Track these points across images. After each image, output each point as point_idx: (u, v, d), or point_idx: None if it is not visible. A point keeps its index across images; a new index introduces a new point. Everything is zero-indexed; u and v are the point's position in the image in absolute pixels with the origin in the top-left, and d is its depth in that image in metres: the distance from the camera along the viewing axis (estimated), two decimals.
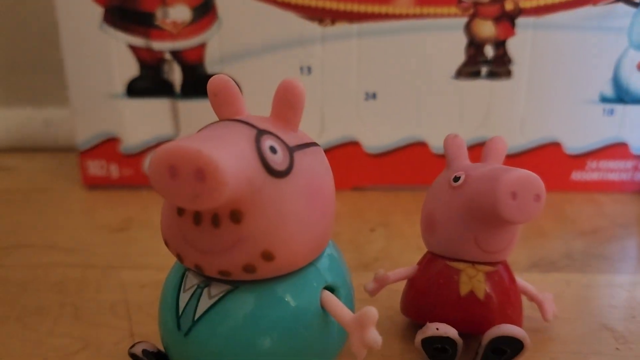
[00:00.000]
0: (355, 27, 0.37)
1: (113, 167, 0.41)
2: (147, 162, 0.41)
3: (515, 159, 0.40)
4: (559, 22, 0.37)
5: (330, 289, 0.18)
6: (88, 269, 0.29)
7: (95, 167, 0.41)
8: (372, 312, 0.15)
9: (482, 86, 0.38)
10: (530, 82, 0.38)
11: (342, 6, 0.37)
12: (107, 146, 0.41)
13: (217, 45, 0.38)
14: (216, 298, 0.17)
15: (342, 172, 0.41)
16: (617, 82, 0.38)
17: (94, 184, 0.42)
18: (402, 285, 0.24)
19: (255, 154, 0.15)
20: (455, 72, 0.38)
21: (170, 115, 0.40)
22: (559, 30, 0.37)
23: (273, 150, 0.16)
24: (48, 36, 0.48)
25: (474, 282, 0.21)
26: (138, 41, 0.38)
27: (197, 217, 0.15)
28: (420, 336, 0.20)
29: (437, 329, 0.20)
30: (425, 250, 0.23)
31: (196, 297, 0.17)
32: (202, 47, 0.38)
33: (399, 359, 0.22)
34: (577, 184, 0.41)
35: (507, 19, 0.37)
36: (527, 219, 0.19)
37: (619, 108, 0.39)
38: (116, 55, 0.39)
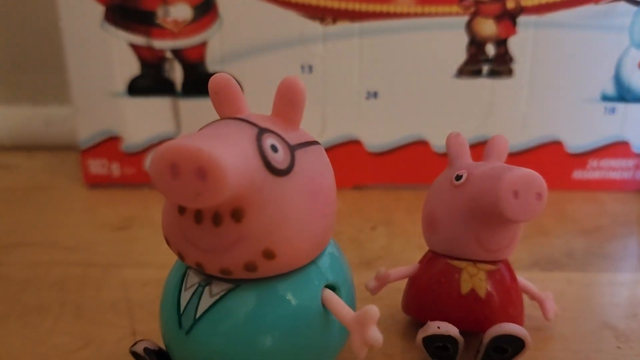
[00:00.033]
0: (356, 26, 0.37)
1: (114, 166, 0.41)
2: (148, 160, 0.41)
3: (516, 157, 0.40)
4: (560, 20, 0.37)
5: (332, 287, 0.18)
6: (89, 268, 0.29)
7: (97, 166, 0.41)
8: (373, 310, 0.15)
9: (483, 85, 0.38)
10: (531, 81, 0.38)
11: (343, 5, 0.37)
12: (108, 145, 0.41)
13: (218, 44, 0.38)
14: (217, 296, 0.17)
15: (343, 171, 0.41)
16: (618, 80, 0.38)
17: (95, 183, 0.42)
18: (403, 283, 0.24)
19: (257, 153, 0.15)
20: (456, 70, 0.38)
21: (172, 113, 0.40)
22: (560, 29, 0.37)
23: (274, 148, 0.16)
24: (49, 35, 0.48)
25: (475, 280, 0.21)
26: (139, 40, 0.38)
27: (198, 216, 0.15)
28: (421, 334, 0.20)
29: (439, 327, 0.20)
30: (426, 248, 0.23)
31: (197, 295, 0.17)
32: (203, 45, 0.38)
33: (400, 357, 0.22)
34: (579, 183, 0.41)
35: (509, 18, 0.37)
36: (529, 218, 0.19)
37: (621, 107, 0.39)
38: (117, 53, 0.39)
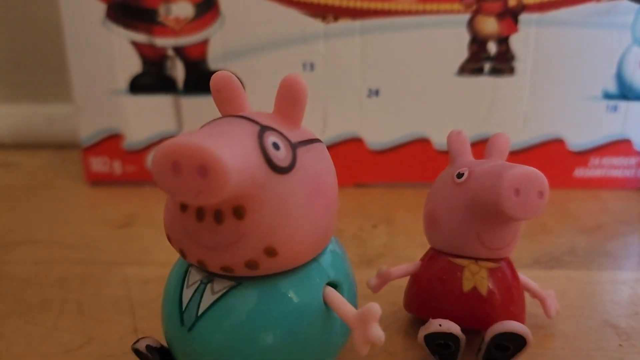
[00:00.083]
0: (358, 23, 0.37)
1: (116, 164, 0.41)
2: (150, 158, 0.41)
3: (518, 155, 0.40)
4: (562, 18, 0.37)
5: (333, 285, 0.18)
6: (91, 265, 0.29)
7: (99, 164, 0.41)
8: (375, 308, 0.15)
9: (485, 83, 0.38)
10: (533, 79, 0.38)
11: (344, 3, 0.37)
12: (110, 142, 0.41)
13: (219, 42, 0.38)
14: (219, 294, 0.17)
15: (344, 169, 0.41)
16: (620, 78, 0.38)
17: (97, 181, 0.42)
18: (405, 281, 0.24)
19: (258, 150, 0.15)
20: (458, 68, 0.38)
21: (173, 111, 0.40)
22: (562, 27, 0.37)
23: (276, 146, 0.16)
24: (51, 33, 0.48)
25: (476, 278, 0.21)
26: (141, 37, 0.38)
27: (200, 213, 0.15)
28: (423, 332, 0.20)
29: (440, 325, 0.20)
30: (428, 246, 0.23)
31: (199, 292, 0.17)
32: (204, 43, 0.38)
33: (402, 355, 0.22)
34: (580, 181, 0.41)
35: (510, 16, 0.37)
36: (531, 216, 0.19)
37: (623, 104, 0.39)
38: (119, 51, 0.39)
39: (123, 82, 0.39)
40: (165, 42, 0.38)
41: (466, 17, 0.37)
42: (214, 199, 0.14)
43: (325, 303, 0.17)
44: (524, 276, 0.23)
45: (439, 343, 0.20)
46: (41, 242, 0.32)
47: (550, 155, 0.40)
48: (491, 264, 0.21)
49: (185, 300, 0.17)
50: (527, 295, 0.23)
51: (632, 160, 0.40)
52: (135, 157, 0.41)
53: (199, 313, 0.17)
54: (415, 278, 0.23)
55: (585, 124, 0.39)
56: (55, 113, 0.50)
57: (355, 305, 0.19)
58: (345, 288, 0.19)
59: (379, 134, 0.40)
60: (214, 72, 0.17)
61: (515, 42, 0.37)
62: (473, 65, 0.38)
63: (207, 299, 0.17)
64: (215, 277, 0.17)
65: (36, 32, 0.49)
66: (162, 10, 0.38)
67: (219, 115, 0.18)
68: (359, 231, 0.34)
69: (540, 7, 0.37)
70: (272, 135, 0.16)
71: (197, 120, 0.40)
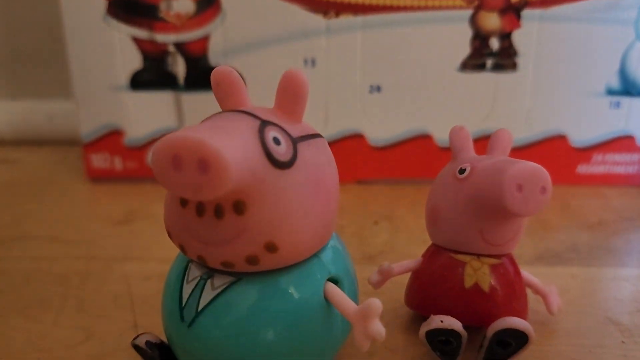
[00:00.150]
0: (359, 19, 0.37)
1: (117, 160, 0.41)
2: (150, 153, 0.41)
3: (520, 151, 0.40)
4: (565, 14, 0.37)
5: (334, 280, 0.18)
6: (91, 261, 0.29)
7: (99, 160, 0.41)
8: (376, 303, 0.15)
9: (487, 79, 0.38)
10: (535, 75, 0.38)
11: None
12: (110, 139, 0.41)
13: (220, 38, 0.38)
14: (219, 289, 0.17)
15: (346, 165, 0.41)
16: (623, 74, 0.38)
17: (98, 177, 0.42)
18: (406, 277, 0.24)
19: (259, 145, 0.15)
20: (460, 64, 0.38)
21: (174, 107, 0.40)
22: (565, 22, 0.37)
23: (276, 141, 0.16)
24: (52, 29, 0.48)
25: (478, 274, 0.21)
26: (142, 33, 0.38)
27: (200, 208, 0.15)
28: (424, 328, 0.20)
29: (442, 321, 0.20)
30: (429, 243, 0.23)
31: (199, 288, 0.17)
32: (205, 39, 0.38)
33: (403, 351, 0.22)
34: (583, 177, 0.41)
35: (513, 11, 0.37)
36: (533, 212, 0.19)
37: (626, 101, 0.39)
38: (120, 47, 0.38)
39: (124, 78, 0.39)
40: (166, 37, 0.38)
41: (468, 12, 0.37)
42: (214, 194, 0.14)
43: (326, 299, 0.17)
44: (526, 272, 0.23)
45: (441, 339, 0.20)
46: (41, 238, 0.32)
47: (553, 152, 0.40)
48: (493, 260, 0.21)
49: (185, 296, 0.17)
50: (529, 292, 0.23)
51: (635, 157, 0.40)
52: (135, 153, 0.41)
53: (199, 309, 0.17)
54: (417, 274, 0.23)
55: (588, 120, 0.39)
56: (56, 109, 0.50)
57: (356, 301, 0.19)
58: (346, 284, 0.19)
59: (381, 130, 0.40)
60: (215, 68, 0.17)
61: (518, 37, 0.37)
62: (475, 61, 0.38)
63: (207, 294, 0.17)
64: (215, 272, 0.17)
65: (37, 28, 0.49)
66: (163, 5, 0.37)
67: (220, 111, 0.18)
68: (360, 228, 0.34)
69: (542, 3, 0.36)
70: (272, 130, 0.16)
71: (198, 116, 0.39)
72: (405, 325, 0.23)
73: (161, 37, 0.38)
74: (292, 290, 0.17)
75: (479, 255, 0.21)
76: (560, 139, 0.40)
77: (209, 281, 0.17)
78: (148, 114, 0.40)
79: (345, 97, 0.39)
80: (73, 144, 0.48)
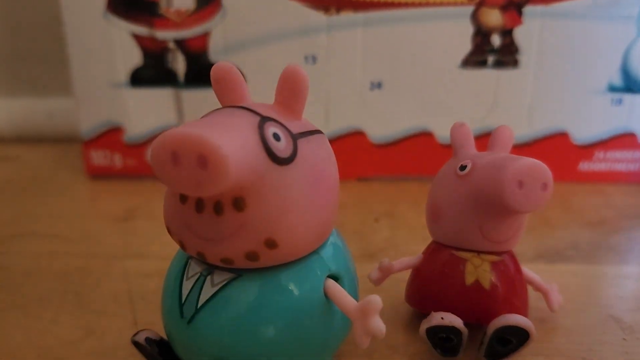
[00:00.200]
0: (360, 16, 0.37)
1: (117, 157, 0.41)
2: (150, 149, 0.41)
3: (522, 149, 0.39)
4: (566, 10, 0.36)
5: (334, 277, 0.18)
6: (91, 259, 0.29)
7: (99, 157, 0.41)
8: (376, 300, 0.15)
9: (488, 75, 0.38)
10: (537, 72, 0.38)
11: None
12: (110, 136, 0.41)
13: (221, 34, 0.38)
14: (219, 286, 0.17)
15: (347, 162, 0.41)
16: (625, 71, 0.38)
17: (98, 174, 0.42)
18: (407, 274, 0.24)
19: (259, 141, 0.15)
20: (461, 61, 0.38)
21: (174, 104, 0.40)
22: (566, 19, 0.37)
23: (276, 137, 0.15)
24: (51, 26, 0.48)
25: (479, 271, 0.21)
26: (142, 30, 0.38)
27: (200, 205, 0.15)
28: (425, 325, 0.20)
29: (442, 318, 0.20)
30: (430, 240, 0.23)
31: (199, 284, 0.17)
32: (206, 36, 0.38)
33: (403, 348, 0.22)
34: (585, 175, 0.41)
35: (514, 8, 0.37)
36: (534, 208, 0.19)
37: (628, 98, 0.38)
38: (120, 44, 0.38)
39: (124, 75, 0.39)
40: (166, 34, 0.38)
41: (470, 9, 0.37)
42: (213, 190, 0.14)
43: (326, 295, 0.17)
44: (527, 269, 0.23)
45: (441, 336, 0.20)
46: (41, 236, 0.32)
47: (555, 149, 0.40)
48: (494, 257, 0.21)
49: (185, 293, 0.17)
50: (530, 289, 0.23)
51: (637, 154, 0.40)
52: (135, 150, 0.41)
53: (199, 305, 0.17)
54: (417, 271, 0.23)
55: (590, 117, 0.39)
56: (56, 106, 0.50)
57: (356, 298, 0.19)
58: (346, 281, 0.18)
59: (382, 127, 0.40)
60: (215, 64, 0.17)
61: (520, 34, 0.37)
62: (477, 57, 0.38)
63: (207, 291, 0.17)
64: (215, 269, 0.17)
65: (37, 26, 0.49)
66: (163, 2, 0.37)
67: (220, 107, 0.18)
68: (361, 225, 0.34)
69: None
70: (272, 126, 0.16)
71: (198, 113, 0.39)
72: (406, 323, 0.23)
73: (161, 34, 0.38)
74: (292, 286, 0.17)
75: (479, 252, 0.21)
76: (562, 136, 0.39)
77: (208, 277, 0.17)
78: (148, 111, 0.40)
79: (346, 94, 0.39)
80: (73, 141, 0.48)
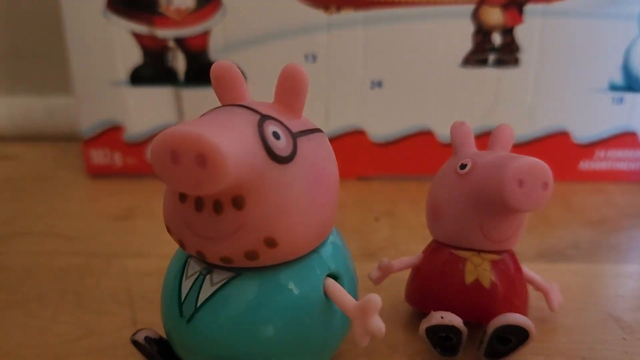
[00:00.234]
0: (361, 14, 0.37)
1: (116, 156, 0.41)
2: (149, 148, 0.41)
3: (522, 148, 0.39)
4: (568, 9, 0.36)
5: (334, 276, 0.18)
6: (91, 257, 0.29)
7: (99, 156, 0.41)
8: (375, 299, 0.15)
9: (489, 74, 0.38)
10: (538, 70, 0.38)
11: None
12: (110, 134, 0.41)
13: (221, 33, 0.38)
14: (218, 285, 0.17)
15: (347, 162, 0.40)
16: (627, 70, 0.38)
17: (98, 173, 0.42)
18: (406, 274, 0.24)
19: (258, 140, 0.15)
20: (462, 60, 0.38)
21: (174, 103, 0.40)
22: (567, 18, 0.36)
23: (276, 135, 0.15)
24: (51, 24, 0.47)
25: (479, 270, 0.20)
26: (142, 29, 0.38)
27: (199, 203, 0.15)
28: (424, 325, 0.20)
29: (442, 317, 0.20)
30: (430, 239, 0.23)
31: (198, 283, 0.17)
32: (206, 34, 0.38)
33: (403, 347, 0.22)
34: (585, 174, 0.40)
35: (515, 6, 0.37)
36: (534, 207, 0.19)
37: (629, 96, 0.38)
38: (119, 43, 0.38)
39: (123, 73, 0.39)
40: (166, 33, 0.38)
41: (471, 7, 0.37)
42: (212, 189, 0.13)
43: (326, 294, 0.17)
44: (527, 269, 0.23)
45: (441, 336, 0.20)
46: (41, 234, 0.32)
47: (555, 148, 0.40)
48: (494, 256, 0.21)
49: (184, 292, 0.17)
50: (530, 288, 0.23)
51: (638, 153, 0.40)
52: (135, 149, 0.41)
53: (198, 304, 0.17)
54: (417, 270, 0.23)
55: (591, 116, 0.39)
56: (56, 105, 0.50)
57: (356, 297, 0.19)
58: (346, 280, 0.18)
59: (382, 126, 0.40)
60: (215, 62, 0.17)
61: (520, 33, 0.37)
62: (477, 56, 0.38)
63: (206, 290, 0.17)
64: (214, 268, 0.17)
65: (36, 24, 0.49)
66: (163, 1, 0.37)
67: (220, 105, 0.18)
68: (361, 224, 0.34)
69: None
70: (272, 124, 0.16)
71: (198, 111, 0.39)
72: (406, 322, 0.23)
73: (161, 33, 0.38)
74: (291, 285, 0.17)
75: (479, 252, 0.21)
76: (563, 135, 0.39)
77: (208, 276, 0.17)
78: (148, 110, 0.40)
79: (347, 93, 0.39)
80: (73, 140, 0.48)
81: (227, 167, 0.13)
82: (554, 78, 0.38)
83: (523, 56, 0.37)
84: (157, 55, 0.39)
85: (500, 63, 0.38)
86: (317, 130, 0.18)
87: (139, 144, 0.41)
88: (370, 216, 0.35)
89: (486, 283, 0.20)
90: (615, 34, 0.37)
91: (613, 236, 0.32)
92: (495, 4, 0.37)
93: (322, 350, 0.18)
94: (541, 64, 0.38)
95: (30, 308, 0.24)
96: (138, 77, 0.39)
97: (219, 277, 0.17)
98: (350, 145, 0.40)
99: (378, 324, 0.15)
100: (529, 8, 0.36)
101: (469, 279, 0.20)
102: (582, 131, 0.39)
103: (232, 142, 0.14)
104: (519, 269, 0.22)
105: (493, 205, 0.19)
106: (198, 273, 0.17)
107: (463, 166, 0.21)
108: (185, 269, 0.18)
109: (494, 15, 0.37)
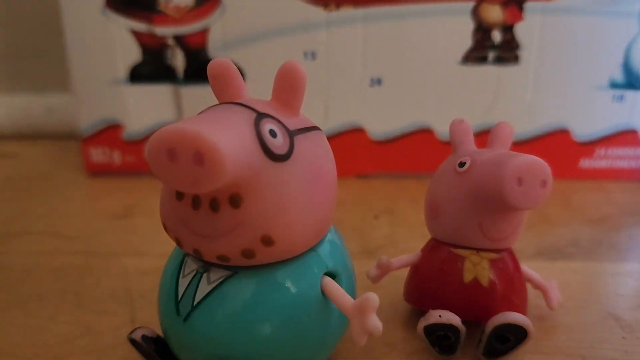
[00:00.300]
0: (360, 11, 0.37)
1: (116, 154, 0.41)
2: (146, 146, 0.41)
3: (522, 146, 0.39)
4: (568, 6, 0.36)
5: (331, 275, 0.18)
6: (90, 256, 0.29)
7: (98, 154, 0.41)
8: (373, 297, 0.15)
9: (489, 72, 0.38)
10: (538, 68, 0.38)
11: None
12: (109, 133, 0.40)
13: (220, 30, 0.38)
14: (215, 283, 0.17)
15: (346, 159, 0.40)
16: (627, 67, 0.37)
17: (97, 171, 0.42)
18: (405, 272, 0.24)
19: (255, 138, 0.15)
20: (462, 57, 0.38)
21: (173, 101, 0.40)
22: (568, 15, 0.36)
23: (273, 133, 0.15)
24: (50, 22, 0.47)
25: (478, 269, 0.20)
26: (140, 26, 0.38)
27: (196, 201, 0.15)
28: (422, 323, 0.20)
29: (440, 316, 0.20)
30: (430, 237, 0.23)
31: (195, 282, 0.17)
32: (205, 32, 0.38)
33: (401, 346, 0.22)
34: (586, 172, 0.40)
35: (515, 3, 0.36)
36: (533, 205, 0.18)
37: (629, 94, 0.38)
38: (118, 40, 0.38)
39: (123, 71, 0.39)
40: (165, 30, 0.38)
41: (470, 4, 0.36)
42: (209, 187, 0.13)
43: (323, 293, 0.17)
44: (526, 267, 0.23)
45: (439, 334, 0.20)
46: (40, 233, 0.32)
47: (555, 146, 0.39)
48: (493, 255, 0.21)
49: (181, 290, 0.17)
50: (529, 287, 0.23)
51: (639, 151, 0.40)
52: (134, 147, 0.41)
53: (195, 303, 0.17)
54: (416, 269, 0.23)
55: (591, 114, 0.39)
56: (55, 103, 0.50)
57: (353, 295, 0.19)
58: (344, 278, 0.18)
59: (382, 123, 0.40)
60: (212, 59, 0.17)
61: (521, 30, 0.37)
62: (477, 54, 0.37)
63: (203, 288, 0.17)
64: (211, 266, 0.17)
65: (35, 22, 0.49)
66: None
67: (217, 103, 0.18)
68: (360, 222, 0.34)
69: None
70: (269, 122, 0.16)
71: (198, 109, 0.39)
72: (404, 320, 0.23)
73: (160, 30, 0.38)
74: (288, 284, 0.17)
75: (478, 250, 0.21)
76: (563, 133, 0.39)
77: (204, 275, 0.17)
78: (147, 108, 0.40)
79: (346, 91, 0.39)
80: (72, 138, 0.48)
81: (224, 165, 0.13)
82: (554, 76, 0.38)
83: (523, 54, 0.37)
84: (156, 53, 0.39)
85: (500, 60, 0.38)
86: (315, 128, 0.18)
87: (138, 142, 0.41)
88: (370, 214, 0.35)
89: (485, 282, 0.20)
90: (616, 32, 0.37)
91: (613, 234, 0.32)
92: (495, 1, 0.36)
93: (319, 349, 0.18)
94: (541, 62, 0.37)
95: (29, 308, 0.24)
96: (137, 75, 0.39)
97: (215, 276, 0.17)
98: (350, 143, 0.40)
99: (375, 322, 0.15)
100: (529, 5, 0.36)
101: (468, 277, 0.20)
102: (583, 129, 0.39)
103: (229, 140, 0.14)
104: (518, 268, 0.22)
105: (492, 203, 0.19)
106: (195, 271, 0.17)
107: (462, 164, 0.21)
108: (182, 268, 0.18)
109: (494, 13, 0.37)
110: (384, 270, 0.23)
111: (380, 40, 0.37)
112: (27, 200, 0.37)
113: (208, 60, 0.38)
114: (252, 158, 0.14)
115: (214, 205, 0.15)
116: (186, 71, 0.39)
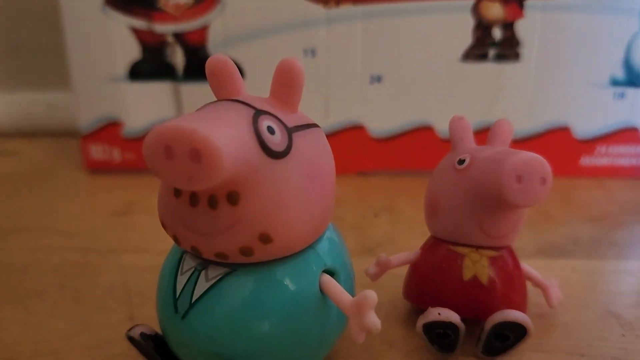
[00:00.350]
0: (360, 9, 0.37)
1: (115, 151, 0.41)
2: (144, 143, 0.40)
3: (523, 143, 0.39)
4: (568, 3, 0.36)
5: (330, 272, 0.18)
6: (89, 253, 0.29)
7: (98, 151, 0.41)
8: (371, 295, 0.15)
9: (489, 69, 0.38)
10: (538, 65, 0.38)
11: None
12: (109, 130, 0.40)
13: (220, 27, 0.38)
14: (213, 281, 0.16)
15: (346, 157, 0.40)
16: (628, 65, 0.37)
17: (96, 168, 0.42)
18: (404, 270, 0.23)
19: (253, 135, 0.15)
20: (462, 54, 0.38)
21: (173, 98, 0.40)
22: (568, 12, 0.36)
23: (271, 130, 0.15)
24: (50, 20, 0.47)
25: (477, 267, 0.20)
26: (140, 24, 0.38)
27: (194, 199, 0.15)
28: (421, 321, 0.20)
29: (439, 314, 0.20)
30: (429, 235, 0.23)
31: (193, 279, 0.17)
32: (204, 29, 0.38)
33: (400, 344, 0.22)
34: (586, 169, 0.40)
35: (516, 1, 0.36)
36: (533, 203, 0.18)
37: (630, 91, 0.38)
38: (118, 38, 0.38)
39: (122, 68, 0.39)
40: (164, 28, 0.38)
41: (471, 2, 0.36)
42: (207, 184, 0.13)
43: (322, 291, 0.17)
44: (526, 265, 0.23)
45: (438, 332, 0.20)
46: (39, 230, 0.32)
47: (556, 143, 0.39)
48: (492, 252, 0.21)
49: (179, 287, 0.17)
50: (529, 285, 0.23)
51: (639, 149, 0.40)
52: (134, 144, 0.41)
53: (193, 300, 0.17)
54: (415, 266, 0.23)
55: (592, 112, 0.39)
56: (55, 101, 0.50)
57: (352, 293, 0.19)
58: (342, 276, 0.18)
59: (382, 121, 0.40)
60: (210, 56, 0.17)
61: (521, 27, 0.37)
62: (478, 51, 0.37)
63: (201, 285, 0.17)
64: (209, 263, 0.17)
65: (35, 20, 0.49)
66: None
67: (215, 100, 0.17)
68: (359, 220, 0.34)
69: None
70: (267, 119, 0.15)
71: (197, 106, 0.39)
72: (403, 318, 0.23)
73: (160, 28, 0.38)
74: (287, 281, 0.17)
75: (478, 248, 0.21)
76: (563, 130, 0.39)
77: (203, 272, 0.17)
78: (147, 105, 0.40)
79: (346, 88, 0.39)
80: (72, 135, 0.48)
81: (221, 163, 0.13)
82: (555, 73, 0.38)
83: (523, 51, 0.37)
84: (155, 51, 0.38)
85: (500, 58, 0.37)
86: (314, 125, 0.18)
87: (138, 140, 0.41)
88: (370, 212, 0.35)
89: (484, 279, 0.20)
90: (617, 29, 0.36)
91: (613, 232, 0.32)
92: None
93: (318, 347, 0.18)
94: (542, 59, 0.37)
95: (28, 304, 0.24)
96: (137, 73, 0.39)
97: (214, 273, 0.17)
98: (350, 141, 0.40)
99: (373, 320, 0.15)
100: (529, 2, 0.36)
101: (467, 275, 0.20)
102: (583, 126, 0.39)
103: (227, 137, 0.14)
104: (517, 265, 0.21)
105: (491, 200, 0.19)
106: (193, 269, 0.17)
107: (461, 161, 0.20)
108: (181, 265, 0.17)
109: (494, 10, 0.37)
110: (383, 267, 0.23)
111: (380, 37, 0.37)
112: (27, 197, 0.38)
113: (208, 57, 0.38)
114: (250, 155, 0.14)
115: (212, 202, 0.15)
116: (186, 68, 0.39)
